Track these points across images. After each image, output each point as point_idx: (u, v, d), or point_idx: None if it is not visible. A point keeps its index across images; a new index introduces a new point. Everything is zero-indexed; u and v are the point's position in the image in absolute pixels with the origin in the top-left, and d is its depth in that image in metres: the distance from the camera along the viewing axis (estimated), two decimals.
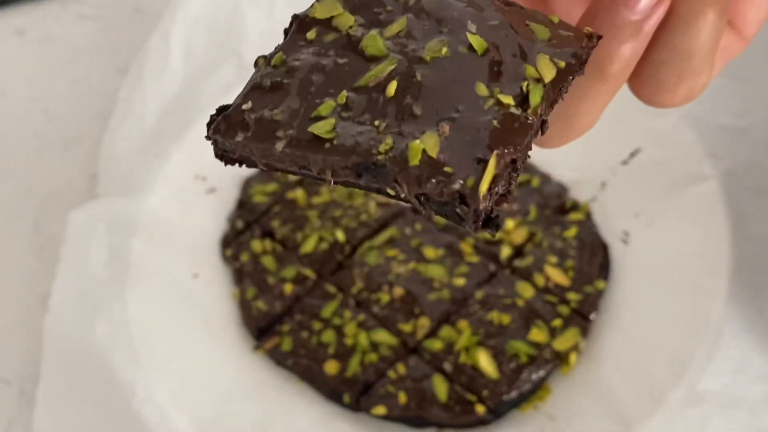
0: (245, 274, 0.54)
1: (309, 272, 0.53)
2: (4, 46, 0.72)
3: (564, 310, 0.49)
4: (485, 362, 0.47)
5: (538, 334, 0.48)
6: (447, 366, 0.48)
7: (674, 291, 0.48)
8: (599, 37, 0.22)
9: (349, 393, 0.48)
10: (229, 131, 0.22)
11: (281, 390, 0.50)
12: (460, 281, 0.51)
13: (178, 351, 0.50)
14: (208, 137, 0.22)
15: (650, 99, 0.25)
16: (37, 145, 0.64)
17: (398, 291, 0.51)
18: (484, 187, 0.19)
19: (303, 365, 0.49)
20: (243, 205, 0.57)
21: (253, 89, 0.22)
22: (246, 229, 0.56)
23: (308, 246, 0.54)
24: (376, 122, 0.20)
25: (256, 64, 0.23)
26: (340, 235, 0.54)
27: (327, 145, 0.20)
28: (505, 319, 0.49)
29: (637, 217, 0.52)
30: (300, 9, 0.24)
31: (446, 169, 0.19)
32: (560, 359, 0.47)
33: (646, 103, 0.25)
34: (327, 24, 0.23)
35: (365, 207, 0.55)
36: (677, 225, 0.50)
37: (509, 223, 0.53)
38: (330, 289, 0.52)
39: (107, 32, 0.71)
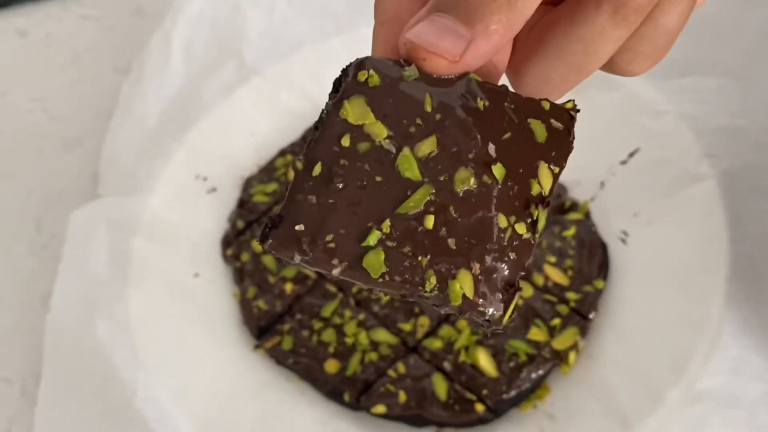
0: (246, 274, 0.54)
1: (309, 272, 0.53)
2: (6, 46, 0.72)
3: (563, 309, 0.49)
4: (485, 361, 0.47)
5: (537, 334, 0.48)
6: (447, 365, 0.48)
7: (673, 290, 0.48)
8: (577, 110, 0.25)
9: (350, 392, 0.48)
10: (285, 250, 0.23)
11: (282, 389, 0.50)
12: None
13: (179, 350, 0.50)
14: (263, 248, 0.24)
15: (625, 69, 0.27)
16: (38, 145, 0.65)
17: None
18: (506, 318, 0.24)
19: (303, 364, 0.49)
20: (243, 204, 0.58)
21: (299, 203, 0.24)
22: (246, 229, 0.56)
23: None
24: (419, 257, 0.23)
25: (294, 168, 0.25)
26: None
27: (380, 279, 0.23)
28: None
29: (636, 217, 0.52)
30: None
31: (480, 308, 0.23)
32: (559, 358, 0.47)
33: (617, 73, 0.27)
34: (359, 131, 0.24)
35: None
36: (676, 225, 0.50)
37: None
38: (330, 288, 0.52)
39: (108, 33, 0.72)
